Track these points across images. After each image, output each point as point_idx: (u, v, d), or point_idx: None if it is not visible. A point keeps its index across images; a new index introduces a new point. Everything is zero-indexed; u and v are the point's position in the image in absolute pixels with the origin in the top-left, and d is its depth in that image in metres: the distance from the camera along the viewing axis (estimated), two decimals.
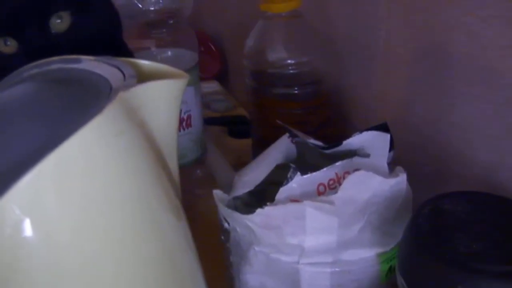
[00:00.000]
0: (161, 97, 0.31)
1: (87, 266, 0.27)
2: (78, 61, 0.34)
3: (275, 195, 0.40)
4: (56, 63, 0.35)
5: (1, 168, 0.26)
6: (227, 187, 0.43)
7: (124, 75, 0.32)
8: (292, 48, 0.52)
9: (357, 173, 0.36)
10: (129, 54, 0.51)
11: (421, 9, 0.42)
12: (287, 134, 0.44)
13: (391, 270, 0.41)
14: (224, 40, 0.87)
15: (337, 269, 0.40)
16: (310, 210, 0.36)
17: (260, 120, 0.56)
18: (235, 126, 0.74)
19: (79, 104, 0.29)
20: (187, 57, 0.60)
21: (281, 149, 0.43)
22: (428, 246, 0.32)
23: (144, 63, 0.34)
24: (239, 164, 0.68)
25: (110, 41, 0.48)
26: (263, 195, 0.42)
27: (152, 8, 0.57)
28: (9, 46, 0.44)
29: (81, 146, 0.26)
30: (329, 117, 0.54)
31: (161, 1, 0.57)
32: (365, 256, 0.40)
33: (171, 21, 0.58)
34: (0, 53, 0.44)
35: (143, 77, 0.32)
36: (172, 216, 0.32)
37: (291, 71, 0.51)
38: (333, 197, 0.36)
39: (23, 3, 0.44)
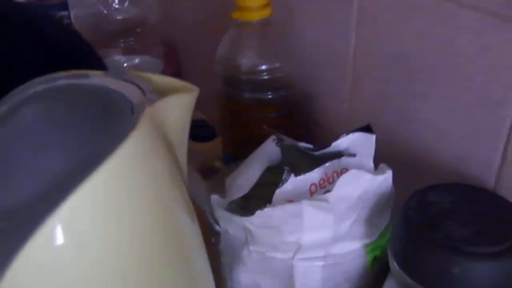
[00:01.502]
0: (178, 111, 0.33)
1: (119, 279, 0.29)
2: (86, 76, 0.35)
3: (265, 196, 0.43)
4: (63, 79, 0.35)
5: (36, 192, 0.27)
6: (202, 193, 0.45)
7: (141, 89, 0.33)
8: (264, 54, 0.55)
9: (350, 172, 0.39)
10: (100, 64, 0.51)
11: (390, 20, 0.45)
12: (272, 137, 0.46)
13: (375, 259, 0.45)
14: (179, 45, 0.88)
15: (328, 263, 0.43)
16: (308, 209, 0.39)
17: (233, 124, 0.58)
18: (196, 130, 0.75)
19: (105, 121, 0.30)
20: (153, 65, 0.62)
21: (267, 152, 0.46)
22: (423, 235, 0.35)
23: (154, 77, 0.35)
24: (205, 167, 0.69)
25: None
26: (252, 196, 0.44)
27: (120, 18, 0.58)
28: None
29: (121, 164, 0.27)
30: (300, 120, 0.57)
31: (129, 10, 0.57)
32: (354, 248, 0.43)
33: (139, 30, 0.59)
34: None
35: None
36: (190, 220, 0.33)
37: (264, 77, 0.54)
38: (329, 195, 0.39)
39: None
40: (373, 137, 0.41)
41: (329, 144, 0.42)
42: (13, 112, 0.33)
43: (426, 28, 0.42)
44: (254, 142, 0.52)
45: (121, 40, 0.59)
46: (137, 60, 0.60)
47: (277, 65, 0.54)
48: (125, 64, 0.59)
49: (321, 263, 0.43)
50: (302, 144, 0.43)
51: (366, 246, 0.43)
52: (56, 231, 0.26)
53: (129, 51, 0.59)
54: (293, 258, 0.42)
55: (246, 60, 0.54)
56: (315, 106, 0.57)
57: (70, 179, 0.26)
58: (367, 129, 0.42)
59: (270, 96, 0.54)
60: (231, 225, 0.43)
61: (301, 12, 0.55)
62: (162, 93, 0.33)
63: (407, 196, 0.42)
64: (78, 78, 0.35)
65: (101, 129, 0.29)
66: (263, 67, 0.54)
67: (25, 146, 0.29)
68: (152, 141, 0.29)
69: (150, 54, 0.62)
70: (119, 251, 0.27)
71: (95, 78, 0.34)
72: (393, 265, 0.38)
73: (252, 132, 0.54)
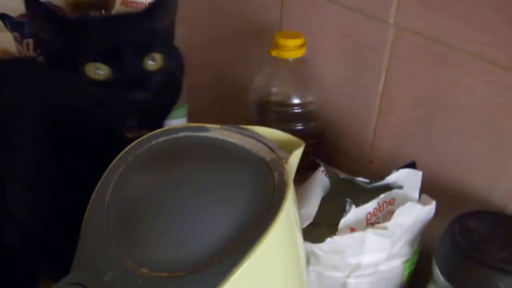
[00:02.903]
0: (295, 163, 0.39)
1: None
2: (205, 129, 0.40)
3: (327, 223, 0.50)
4: (182, 131, 0.40)
5: (212, 247, 0.32)
6: None
7: (266, 145, 0.38)
8: (297, 89, 0.62)
9: (406, 204, 0.47)
10: None
11: (422, 67, 0.54)
12: (321, 169, 0.53)
13: (409, 274, 0.53)
14: None
15: (376, 278, 0.51)
16: (370, 236, 0.47)
17: None
18: None
19: (250, 179, 0.35)
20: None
21: (319, 182, 0.53)
22: (472, 258, 0.44)
23: (258, 129, 0.41)
24: None
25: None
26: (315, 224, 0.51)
27: None
28: (98, 74, 0.52)
29: (284, 223, 0.33)
30: (326, 148, 0.64)
31: None
32: (396, 264, 0.51)
33: None
34: (89, 78, 0.52)
35: None
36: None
37: (296, 110, 0.61)
38: (388, 224, 0.47)
39: (125, 38, 0.53)
40: (419, 173, 0.50)
41: (382, 178, 0.50)
42: (151, 163, 0.38)
43: (458, 78, 0.51)
44: None
45: None
46: None
47: (309, 99, 0.61)
48: None
49: (370, 280, 0.51)
50: (359, 179, 0.51)
51: (405, 262, 0.52)
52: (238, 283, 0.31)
53: None
54: (348, 276, 0.50)
55: (280, 94, 0.61)
56: (341, 136, 0.65)
57: (243, 235, 0.32)
58: (412, 165, 0.51)
59: (300, 127, 0.61)
60: None
61: (333, 50, 0.63)
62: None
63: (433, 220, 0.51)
64: (197, 130, 0.40)
65: (250, 186, 0.35)
66: (296, 101, 0.61)
67: (190, 199, 0.34)
68: (294, 195, 0.35)
69: None
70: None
71: (214, 131, 0.40)
72: (439, 278, 0.47)
73: None
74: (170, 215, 0.34)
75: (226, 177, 0.35)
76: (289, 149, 0.39)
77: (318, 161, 0.52)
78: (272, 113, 0.62)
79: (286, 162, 0.36)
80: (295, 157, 0.38)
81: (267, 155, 0.37)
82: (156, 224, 0.34)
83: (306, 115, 0.61)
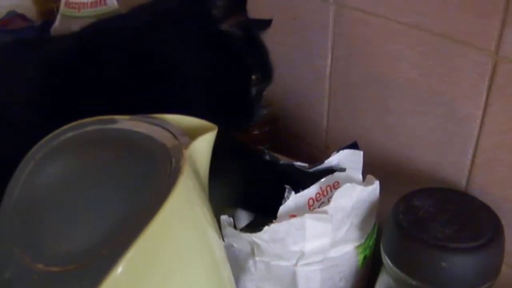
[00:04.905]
0: (205, 149, 0.38)
1: None
2: (113, 121, 0.39)
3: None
4: (92, 125, 0.40)
5: (102, 235, 0.31)
6: None
7: (170, 132, 0.38)
8: None
9: (344, 186, 0.46)
10: None
11: (364, 43, 0.53)
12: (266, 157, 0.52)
13: (365, 258, 0.52)
14: None
15: (326, 265, 0.50)
16: (309, 221, 0.46)
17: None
18: None
19: (147, 166, 0.35)
20: None
21: None
22: (413, 236, 0.42)
23: (170, 117, 0.40)
24: None
25: None
26: None
27: None
28: None
29: (175, 207, 0.32)
30: (281, 135, 0.63)
31: None
32: (347, 250, 0.50)
33: None
34: None
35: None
36: (220, 239, 0.39)
37: None
38: (327, 208, 0.46)
39: None
40: (360, 153, 0.48)
41: (322, 162, 0.49)
42: (56, 159, 0.37)
43: (398, 52, 0.50)
44: None
45: None
46: None
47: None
48: None
49: (320, 267, 0.49)
50: (298, 163, 0.49)
51: (357, 247, 0.50)
52: (126, 272, 0.30)
53: None
54: (296, 264, 0.48)
55: None
56: (296, 122, 0.63)
57: (131, 223, 0.31)
58: (354, 146, 0.49)
59: None
60: (236, 240, 0.49)
61: (281, 34, 0.62)
62: (187, 133, 0.38)
63: (387, 199, 0.50)
64: (105, 123, 0.39)
65: (146, 174, 0.34)
66: None
67: (85, 191, 0.34)
68: (193, 181, 0.35)
69: None
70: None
71: (122, 122, 0.39)
72: (387, 262, 0.45)
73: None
74: (64, 210, 0.33)
75: (123, 167, 0.35)
76: (201, 134, 0.38)
77: (260, 147, 0.52)
78: None
79: (186, 148, 0.35)
80: (202, 141, 0.37)
81: (169, 142, 0.37)
82: (51, 219, 0.34)
83: None
